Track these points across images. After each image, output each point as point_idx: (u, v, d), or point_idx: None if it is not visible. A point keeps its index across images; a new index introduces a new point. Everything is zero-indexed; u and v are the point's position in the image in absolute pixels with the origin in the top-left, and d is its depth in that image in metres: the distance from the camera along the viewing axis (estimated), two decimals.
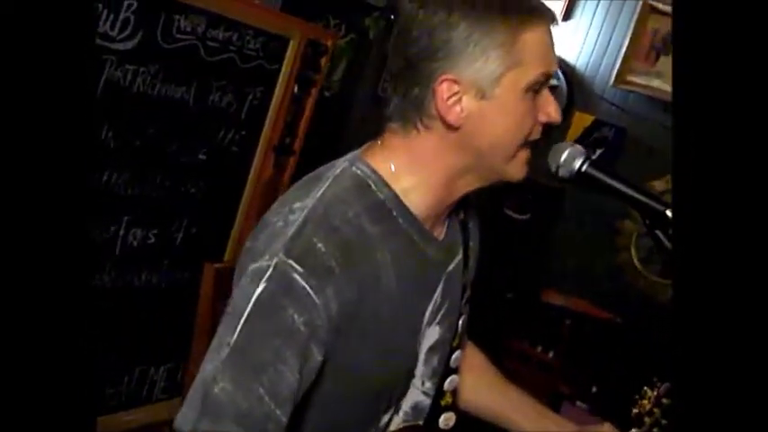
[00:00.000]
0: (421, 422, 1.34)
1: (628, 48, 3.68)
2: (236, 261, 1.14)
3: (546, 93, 1.18)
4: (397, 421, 1.31)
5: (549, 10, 1.17)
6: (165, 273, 2.64)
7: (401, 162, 1.18)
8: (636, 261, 3.68)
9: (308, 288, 1.03)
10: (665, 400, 1.47)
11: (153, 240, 2.55)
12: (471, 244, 1.38)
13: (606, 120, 3.79)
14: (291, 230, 1.08)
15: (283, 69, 2.61)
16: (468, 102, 1.12)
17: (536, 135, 1.20)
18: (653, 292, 3.61)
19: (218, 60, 2.39)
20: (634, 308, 3.57)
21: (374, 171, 1.17)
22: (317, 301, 1.04)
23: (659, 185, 3.60)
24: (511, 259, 3.85)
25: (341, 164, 1.19)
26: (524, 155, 1.20)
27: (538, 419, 1.51)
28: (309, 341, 1.04)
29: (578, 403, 3.26)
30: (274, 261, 1.04)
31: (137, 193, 2.39)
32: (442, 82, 1.11)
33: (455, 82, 1.11)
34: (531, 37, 1.12)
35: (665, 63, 3.63)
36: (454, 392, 1.40)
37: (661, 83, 3.63)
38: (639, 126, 3.71)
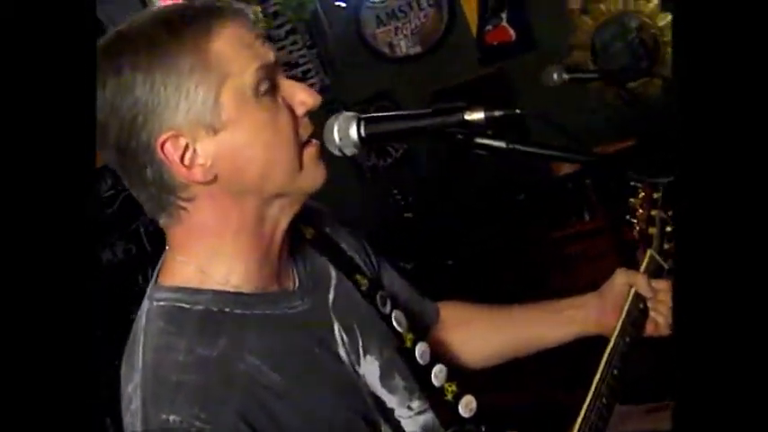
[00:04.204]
0: None
1: None
2: None
3: (286, 82, 1.01)
4: None
5: (232, 3, 0.99)
6: None
7: (200, 254, 1.02)
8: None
9: None
10: (656, 195, 1.33)
11: None
12: (345, 247, 1.22)
13: None
14: (138, 422, 0.94)
15: None
16: (204, 146, 0.95)
17: (308, 130, 1.02)
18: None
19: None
20: None
21: (177, 288, 1.01)
22: None
23: (574, 2, 3.37)
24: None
25: (144, 307, 1.03)
26: (310, 156, 1.02)
27: (559, 318, 1.35)
28: None
29: None
30: None
31: None
32: (163, 145, 0.94)
33: (176, 136, 0.94)
34: (221, 44, 0.95)
35: None
36: (454, 376, 1.23)
37: None
38: None
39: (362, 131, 1.02)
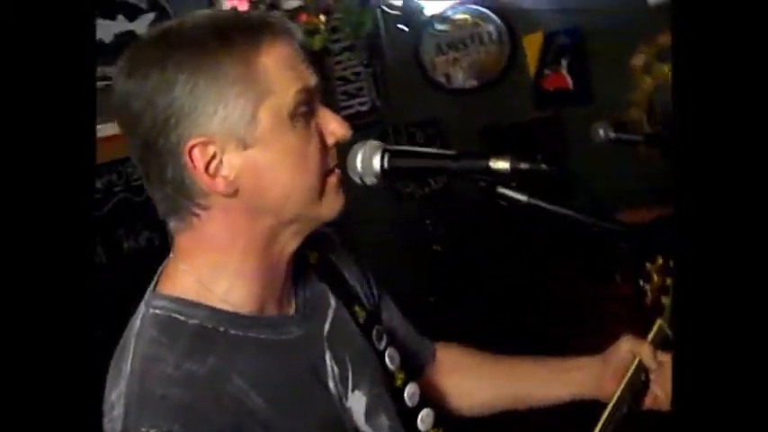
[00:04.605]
0: None
1: None
2: None
3: (322, 111, 0.99)
4: None
5: (284, 22, 0.98)
6: None
7: (204, 266, 1.00)
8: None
9: None
10: (672, 263, 1.27)
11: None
12: (347, 276, 1.19)
13: (555, 29, 3.54)
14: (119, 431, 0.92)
15: None
16: (231, 159, 0.93)
17: (333, 161, 1.01)
18: None
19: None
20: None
21: (175, 299, 0.99)
22: None
23: (638, 60, 3.33)
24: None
25: (139, 313, 1.01)
26: (332, 185, 1.00)
27: (557, 377, 1.32)
28: None
29: None
30: None
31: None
32: (192, 149, 0.92)
33: (206, 143, 0.92)
34: (268, 60, 0.93)
35: None
36: (441, 422, 1.20)
37: None
38: (589, 18, 3.43)
39: (386, 163, 1.00)
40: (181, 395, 0.91)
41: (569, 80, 3.54)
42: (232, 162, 0.93)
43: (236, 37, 0.93)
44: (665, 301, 1.29)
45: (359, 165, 1.01)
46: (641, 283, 1.27)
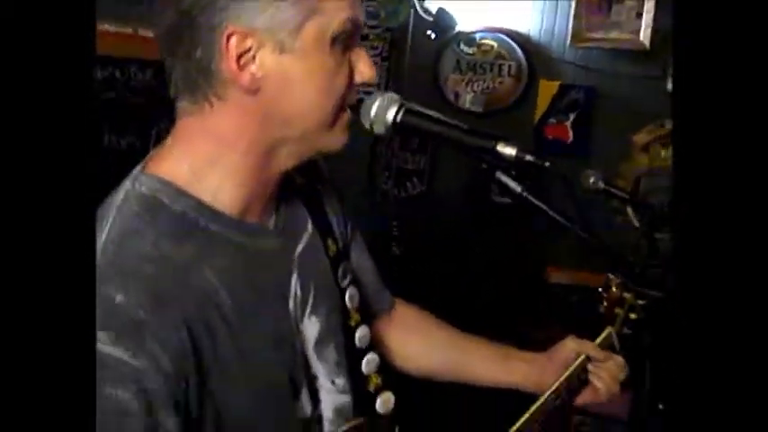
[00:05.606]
0: (352, 422, 1.15)
1: (578, 4, 3.49)
2: None
3: (358, 49, 1.00)
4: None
5: None
6: None
7: (199, 155, 0.99)
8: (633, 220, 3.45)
9: (121, 355, 0.86)
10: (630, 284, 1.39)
11: None
12: (328, 208, 1.21)
13: (573, 82, 3.61)
14: None
15: None
16: (264, 58, 0.93)
17: (352, 99, 1.02)
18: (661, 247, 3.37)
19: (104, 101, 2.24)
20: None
21: (163, 181, 0.98)
22: (139, 364, 0.86)
23: (641, 138, 3.39)
24: (507, 244, 3.67)
25: (122, 188, 1.00)
26: (343, 121, 1.02)
27: (502, 362, 1.38)
28: (151, 413, 0.87)
29: None
30: None
31: None
32: (230, 36, 0.91)
33: (246, 35, 0.92)
34: None
35: (619, 12, 3.45)
36: (384, 371, 1.22)
37: (619, 33, 3.44)
38: (607, 81, 3.52)
39: (398, 117, 1.02)
40: (154, 273, 0.91)
41: (571, 134, 3.60)
42: (264, 61, 0.93)
43: None
44: (619, 312, 1.38)
45: (373, 111, 1.03)
46: (599, 290, 1.34)
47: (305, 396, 1.09)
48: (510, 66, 3.76)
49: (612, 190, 1.69)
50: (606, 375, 1.34)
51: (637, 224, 2.54)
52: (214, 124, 0.98)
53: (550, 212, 0.98)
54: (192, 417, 0.91)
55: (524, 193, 0.98)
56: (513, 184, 0.98)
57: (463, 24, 3.78)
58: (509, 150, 0.97)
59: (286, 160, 1.02)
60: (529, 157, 0.96)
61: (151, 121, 2.48)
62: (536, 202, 0.98)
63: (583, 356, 1.34)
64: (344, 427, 1.13)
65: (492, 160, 0.99)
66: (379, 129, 1.04)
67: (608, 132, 3.51)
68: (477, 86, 3.83)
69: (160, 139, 2.30)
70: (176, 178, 0.98)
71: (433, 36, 3.74)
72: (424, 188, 3.93)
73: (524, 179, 0.98)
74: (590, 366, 1.35)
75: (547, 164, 0.95)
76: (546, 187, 1.08)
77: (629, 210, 3.09)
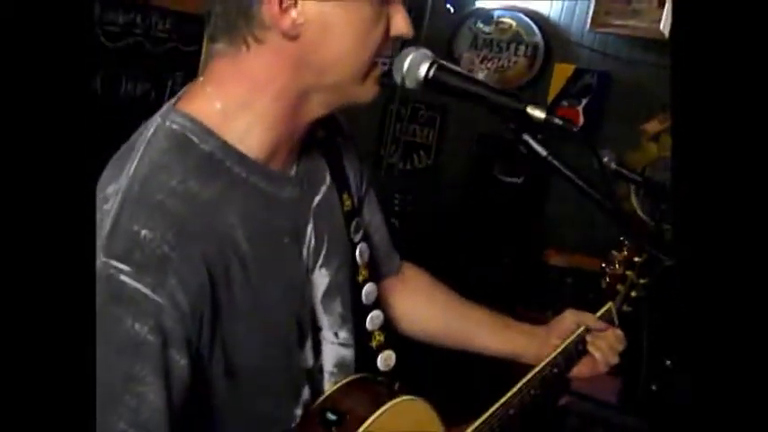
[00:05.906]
0: (353, 376, 1.18)
1: None
2: None
3: (398, 5, 1.01)
4: (327, 385, 1.16)
5: None
6: None
7: (231, 96, 1.00)
8: (638, 209, 3.47)
9: (142, 288, 0.87)
10: (637, 259, 1.41)
11: None
12: (346, 163, 1.22)
13: (588, 67, 3.61)
14: (108, 224, 0.91)
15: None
16: (306, 5, 0.94)
17: (387, 51, 1.02)
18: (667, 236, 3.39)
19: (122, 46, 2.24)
20: None
21: (193, 120, 0.99)
22: (159, 300, 0.88)
23: (652, 127, 3.40)
24: (507, 224, 3.69)
25: (153, 123, 1.00)
26: (376, 73, 1.03)
27: (503, 332, 1.41)
28: (165, 350, 0.89)
29: None
30: (96, 266, 0.88)
31: None
32: None
33: None
34: None
35: (641, 1, 3.42)
36: (386, 329, 1.24)
37: (638, 21, 3.42)
38: (622, 68, 3.52)
39: (430, 73, 1.02)
40: (179, 207, 0.92)
41: (582, 119, 3.60)
42: (306, 8, 0.94)
43: None
44: (621, 288, 1.40)
45: (406, 66, 1.03)
46: (603, 265, 1.35)
47: (308, 346, 1.10)
48: (527, 45, 3.75)
49: (624, 171, 1.69)
50: (605, 345, 1.37)
51: (641, 213, 2.55)
52: (249, 67, 0.98)
53: (573, 178, 0.99)
54: (202, 358, 0.93)
55: (549, 157, 0.99)
56: (539, 148, 0.99)
57: (483, 1, 3.76)
58: (539, 113, 0.97)
59: (317, 109, 1.03)
60: (558, 121, 0.97)
61: (167, 71, 2.47)
62: (560, 166, 0.99)
63: (582, 328, 1.36)
64: (343, 382, 1.15)
65: (520, 122, 0.99)
66: (411, 83, 1.04)
67: (619, 119, 3.51)
68: (492, 65, 3.83)
69: (175, 90, 2.30)
70: (207, 118, 0.99)
71: (452, 10, 3.73)
72: (431, 162, 3.93)
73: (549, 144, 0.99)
74: (588, 337, 1.38)
75: (575, 129, 0.96)
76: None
77: (634, 198, 3.10)
